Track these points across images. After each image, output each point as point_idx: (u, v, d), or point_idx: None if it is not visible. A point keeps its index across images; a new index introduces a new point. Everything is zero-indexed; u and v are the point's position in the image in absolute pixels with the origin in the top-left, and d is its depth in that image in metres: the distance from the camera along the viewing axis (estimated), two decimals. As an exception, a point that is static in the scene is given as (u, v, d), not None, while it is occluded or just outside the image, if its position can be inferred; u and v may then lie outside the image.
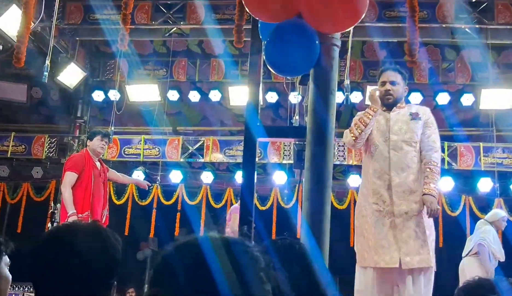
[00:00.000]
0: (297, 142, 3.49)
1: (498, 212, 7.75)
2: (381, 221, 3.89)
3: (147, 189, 8.41)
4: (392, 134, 4.01)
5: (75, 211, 5.62)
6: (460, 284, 2.12)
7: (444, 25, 9.13)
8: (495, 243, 7.19)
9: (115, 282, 1.78)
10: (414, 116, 4.04)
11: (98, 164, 6.16)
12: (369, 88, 10.38)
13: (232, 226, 7.43)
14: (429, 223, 3.89)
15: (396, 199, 3.87)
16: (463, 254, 7.35)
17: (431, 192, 3.83)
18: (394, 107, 4.12)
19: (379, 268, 3.89)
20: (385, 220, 3.88)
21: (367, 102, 10.34)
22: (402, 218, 3.83)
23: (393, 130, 4.02)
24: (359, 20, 3.14)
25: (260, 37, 3.33)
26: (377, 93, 4.10)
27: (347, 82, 5.92)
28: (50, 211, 9.60)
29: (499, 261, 7.22)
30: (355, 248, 4.13)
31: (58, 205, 9.52)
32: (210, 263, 1.04)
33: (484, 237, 7.12)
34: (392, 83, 4.08)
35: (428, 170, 3.92)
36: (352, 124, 4.09)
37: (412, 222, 3.83)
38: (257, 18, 3.30)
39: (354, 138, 4.03)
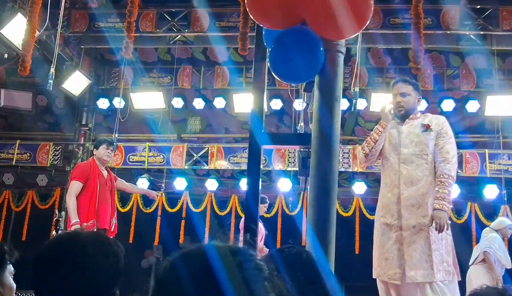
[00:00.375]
0: (302, 150, 3.47)
1: (504, 220, 7.72)
2: (387, 234, 3.90)
3: (156, 199, 8.39)
4: (403, 148, 4.01)
5: (78, 220, 5.62)
6: (467, 293, 2.10)
7: (448, 32, 9.12)
8: (501, 250, 7.16)
9: (118, 291, 1.76)
10: (426, 128, 4.02)
11: (105, 172, 6.16)
12: (374, 95, 10.41)
13: None
14: (438, 236, 3.83)
15: (404, 212, 3.85)
16: (470, 263, 7.32)
17: (442, 207, 3.77)
18: (407, 119, 4.12)
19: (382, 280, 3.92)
20: (391, 234, 3.88)
21: (372, 109, 10.39)
22: (409, 232, 3.81)
23: (404, 143, 4.02)
24: (364, 27, 3.14)
25: (265, 44, 3.33)
26: (388, 107, 4.10)
27: (355, 89, 5.88)
28: (55, 218, 9.57)
29: (506, 269, 7.18)
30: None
31: (63, 213, 9.52)
32: (213, 273, 1.02)
33: (489, 245, 7.09)
34: (403, 95, 4.10)
35: (439, 182, 3.86)
36: (365, 140, 4.15)
37: (419, 236, 3.80)
38: (262, 25, 3.29)
39: (365, 155, 4.11)
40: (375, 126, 4.10)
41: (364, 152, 4.08)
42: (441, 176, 3.86)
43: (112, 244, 1.75)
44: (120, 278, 1.73)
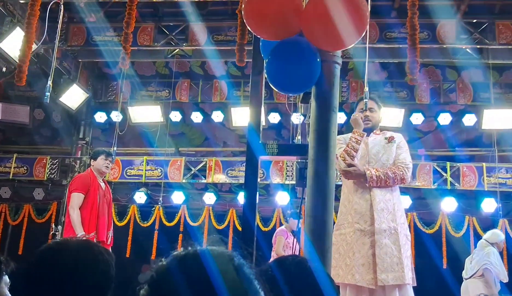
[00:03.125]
0: (299, 160, 3.48)
1: (499, 233, 7.72)
2: (361, 240, 4.02)
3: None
4: (371, 156, 4.26)
5: (84, 233, 5.52)
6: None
7: (444, 46, 9.16)
8: (499, 265, 7.17)
9: (111, 300, 1.75)
10: (390, 140, 4.32)
11: (102, 184, 6.08)
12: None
13: (277, 249, 7.35)
14: (403, 240, 4.03)
15: (377, 216, 4.02)
16: (466, 276, 7.31)
17: (367, 170, 4.06)
18: (371, 133, 4.38)
19: (354, 285, 3.96)
20: (366, 239, 4.01)
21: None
22: (380, 235, 3.97)
23: (371, 153, 4.28)
24: (359, 39, 3.15)
25: (262, 57, 3.34)
26: (358, 115, 4.31)
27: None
28: (51, 232, 9.55)
29: (501, 283, 7.18)
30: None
31: (59, 227, 9.48)
32: (207, 274, 1.03)
33: (490, 261, 7.07)
34: (371, 110, 4.39)
35: (389, 169, 4.13)
36: (341, 151, 4.20)
37: (389, 240, 3.98)
38: (259, 36, 3.31)
39: (348, 164, 4.18)
40: (351, 136, 4.23)
41: (347, 162, 4.16)
42: (395, 169, 4.14)
43: (102, 252, 1.74)
44: (112, 286, 1.72)
